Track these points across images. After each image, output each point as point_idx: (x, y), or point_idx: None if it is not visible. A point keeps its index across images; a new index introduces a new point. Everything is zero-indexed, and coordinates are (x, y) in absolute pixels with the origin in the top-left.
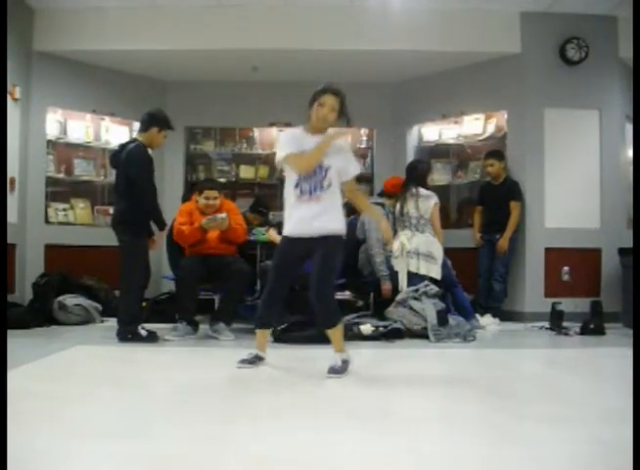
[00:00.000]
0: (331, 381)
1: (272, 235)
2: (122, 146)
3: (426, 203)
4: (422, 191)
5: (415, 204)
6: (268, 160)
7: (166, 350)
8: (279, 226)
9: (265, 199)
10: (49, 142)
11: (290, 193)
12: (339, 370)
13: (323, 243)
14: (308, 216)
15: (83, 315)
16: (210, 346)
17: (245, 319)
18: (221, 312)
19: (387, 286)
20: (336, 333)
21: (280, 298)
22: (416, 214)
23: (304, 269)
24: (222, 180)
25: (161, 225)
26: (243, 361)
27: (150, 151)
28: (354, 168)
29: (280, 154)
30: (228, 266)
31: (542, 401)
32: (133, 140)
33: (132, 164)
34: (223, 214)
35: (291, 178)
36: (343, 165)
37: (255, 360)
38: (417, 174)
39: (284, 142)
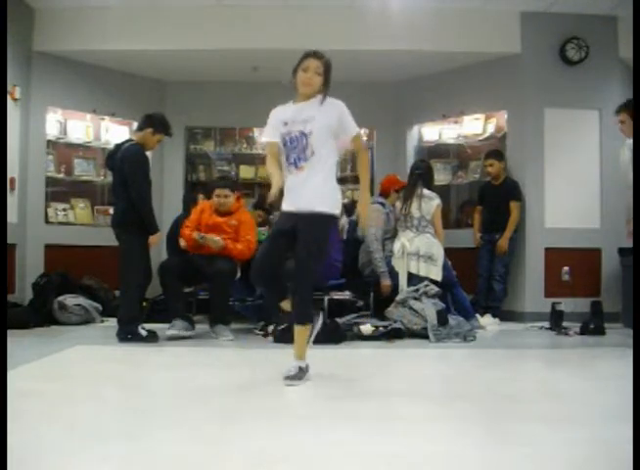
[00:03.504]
0: (330, 381)
1: None
2: (118, 146)
3: (429, 204)
4: (425, 192)
5: (418, 204)
6: None
7: (166, 350)
8: None
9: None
10: (49, 142)
11: (283, 165)
12: (294, 377)
13: (306, 223)
14: (295, 190)
15: (83, 315)
16: (210, 346)
17: (247, 319)
18: (215, 313)
19: (386, 282)
20: (301, 335)
21: (267, 274)
22: (418, 215)
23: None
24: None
25: (153, 230)
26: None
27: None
28: (350, 125)
29: (263, 137)
30: (209, 266)
31: (542, 401)
32: (128, 140)
33: (127, 162)
34: (217, 238)
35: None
36: (339, 122)
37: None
38: (424, 174)
39: (268, 124)
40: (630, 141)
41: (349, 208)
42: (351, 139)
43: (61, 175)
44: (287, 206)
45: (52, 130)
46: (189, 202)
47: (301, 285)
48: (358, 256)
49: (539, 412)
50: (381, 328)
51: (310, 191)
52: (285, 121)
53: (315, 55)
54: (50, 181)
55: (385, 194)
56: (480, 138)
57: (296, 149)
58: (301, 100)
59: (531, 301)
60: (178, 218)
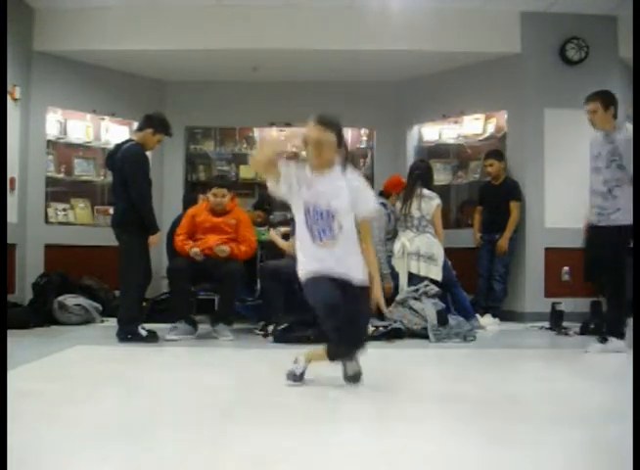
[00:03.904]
0: (330, 381)
1: (272, 235)
2: (118, 146)
3: (429, 204)
4: (425, 192)
5: (418, 204)
6: None
7: (166, 350)
8: (278, 226)
9: (269, 198)
10: (49, 142)
11: (302, 231)
12: (296, 377)
13: (353, 288)
14: (328, 262)
15: (83, 315)
16: (210, 346)
17: (247, 319)
18: (219, 313)
19: (389, 284)
20: (323, 355)
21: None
22: (418, 215)
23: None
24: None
25: (153, 230)
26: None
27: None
28: (365, 206)
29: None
30: (219, 268)
31: (542, 402)
32: (129, 140)
33: (127, 162)
34: (224, 248)
35: (298, 215)
36: (354, 201)
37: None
38: (423, 174)
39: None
40: (598, 134)
41: None
42: (364, 217)
43: (61, 175)
44: (321, 270)
45: (52, 130)
46: (189, 202)
47: (353, 338)
48: None
49: (539, 412)
50: (381, 328)
51: (347, 265)
52: (308, 186)
53: (323, 123)
54: (50, 181)
55: (386, 194)
56: (480, 138)
57: (318, 222)
58: (319, 169)
59: (531, 301)
60: (178, 218)
